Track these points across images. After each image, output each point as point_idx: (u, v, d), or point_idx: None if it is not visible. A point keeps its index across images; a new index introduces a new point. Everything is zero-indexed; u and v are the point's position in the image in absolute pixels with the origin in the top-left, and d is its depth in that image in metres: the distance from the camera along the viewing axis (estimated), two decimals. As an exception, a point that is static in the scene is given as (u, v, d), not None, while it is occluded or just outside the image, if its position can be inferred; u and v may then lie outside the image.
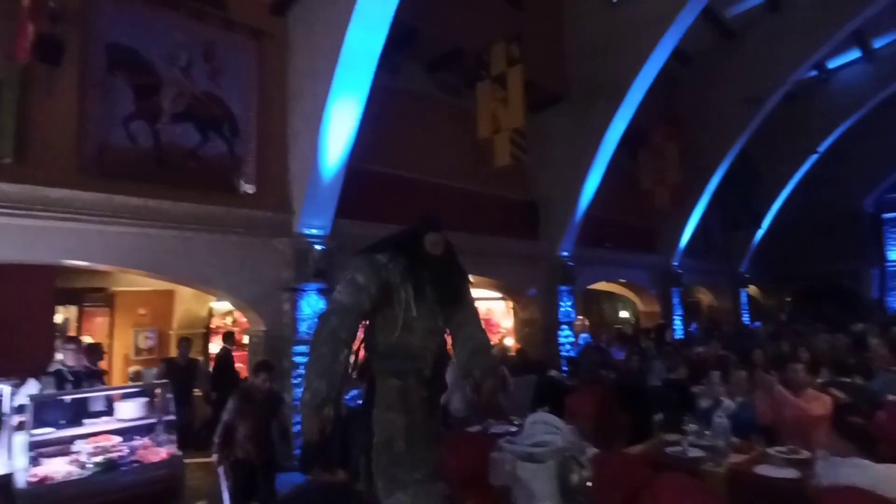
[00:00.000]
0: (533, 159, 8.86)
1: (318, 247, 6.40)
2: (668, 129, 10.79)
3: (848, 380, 4.79)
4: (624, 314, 14.47)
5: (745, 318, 15.18)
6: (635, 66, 8.56)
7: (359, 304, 2.35)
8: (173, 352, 7.73)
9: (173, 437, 4.45)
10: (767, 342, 8.08)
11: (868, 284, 18.11)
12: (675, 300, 12.34)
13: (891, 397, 4.41)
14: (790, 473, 2.98)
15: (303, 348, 6.19)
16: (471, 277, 9.89)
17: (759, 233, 15.11)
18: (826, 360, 6.10)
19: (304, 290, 6.26)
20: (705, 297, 15.93)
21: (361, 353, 2.57)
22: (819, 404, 3.87)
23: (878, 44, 13.63)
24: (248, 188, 6.19)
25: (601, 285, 12.19)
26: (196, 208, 5.69)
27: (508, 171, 8.19)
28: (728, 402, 4.45)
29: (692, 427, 3.64)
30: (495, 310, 11.22)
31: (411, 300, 2.40)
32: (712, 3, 9.59)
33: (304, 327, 6.18)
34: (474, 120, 8.03)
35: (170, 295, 8.81)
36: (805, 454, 3.25)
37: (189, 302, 8.81)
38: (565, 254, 9.62)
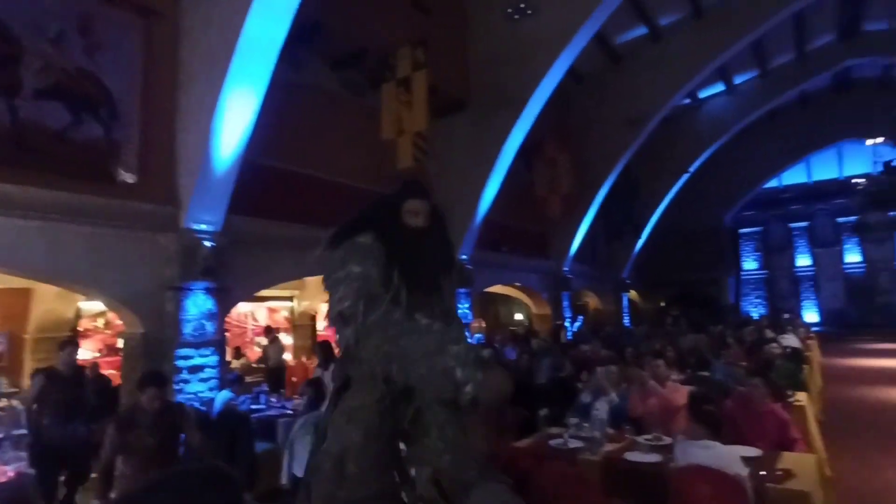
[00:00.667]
0: (435, 163, 9.04)
1: (207, 243, 6.02)
2: (560, 143, 11.51)
3: (706, 373, 5.42)
4: (518, 316, 15.17)
5: (626, 320, 16.56)
6: (534, 81, 9.05)
7: (375, 292, 1.80)
8: (29, 358, 6.86)
9: (22, 455, 3.94)
10: (642, 341, 8.90)
11: (726, 291, 20.59)
12: (566, 303, 13.17)
13: (740, 388, 5.05)
14: (654, 458, 3.31)
15: (187, 351, 5.80)
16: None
17: (639, 243, 16.58)
18: (690, 356, 6.85)
19: (191, 290, 5.86)
20: (592, 300, 17.16)
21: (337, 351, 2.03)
22: (679, 395, 4.34)
23: (738, 80, 15.61)
24: (128, 177, 5.67)
25: (497, 288, 12.68)
26: (65, 197, 5.10)
27: (411, 174, 8.26)
28: (612, 396, 4.83)
29: (573, 420, 3.92)
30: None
31: (402, 290, 1.85)
32: (604, 29, 10.42)
33: (188, 329, 5.78)
34: (378, 120, 8.03)
35: (26, 293, 7.79)
36: (667, 440, 3.62)
37: (51, 301, 7.83)
38: (464, 257, 9.89)
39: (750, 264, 21.65)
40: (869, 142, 11.53)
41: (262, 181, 7.02)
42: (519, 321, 14.76)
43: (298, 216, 7.40)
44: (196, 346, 5.86)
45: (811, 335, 12.43)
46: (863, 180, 12.02)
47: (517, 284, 12.69)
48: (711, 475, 2.63)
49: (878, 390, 9.19)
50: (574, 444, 3.68)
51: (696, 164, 16.24)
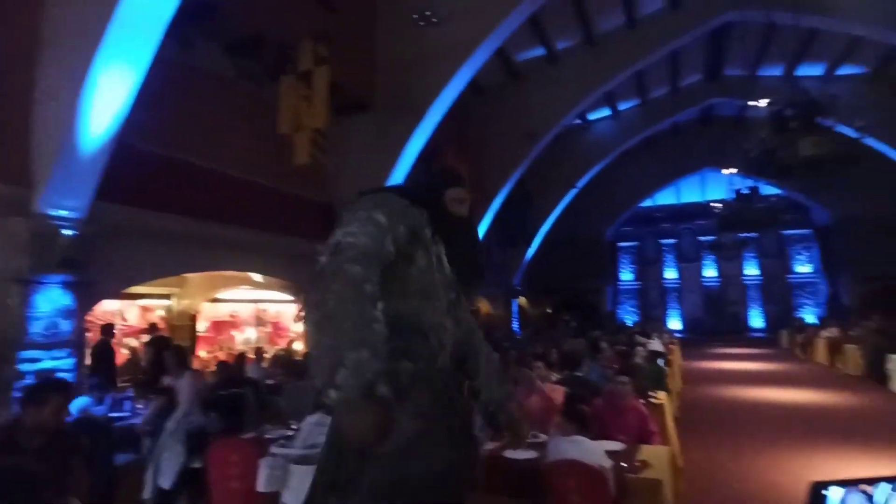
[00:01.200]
0: (334, 162, 8.86)
1: (67, 231, 5.37)
2: (460, 152, 11.82)
3: (580, 374, 5.82)
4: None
5: (515, 325, 17.32)
6: (437, 88, 9.21)
7: (383, 248, 1.55)
8: None
9: None
10: (527, 344, 9.37)
11: (605, 299, 22.32)
12: (459, 308, 13.48)
13: (609, 387, 5.48)
14: (530, 454, 3.48)
15: (35, 353, 5.12)
16: (259, 278, 9.31)
17: (530, 251, 17.46)
18: (567, 357, 7.30)
19: (43, 283, 5.19)
20: (484, 305, 17.74)
21: None
22: (557, 394, 4.63)
23: (622, 106, 17.05)
24: (-35, 150, 4.92)
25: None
26: None
27: (308, 170, 8.02)
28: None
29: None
30: (286, 313, 10.81)
31: (442, 257, 1.68)
32: (505, 46, 10.87)
33: (37, 328, 5.11)
34: (275, 113, 7.70)
35: None
36: (543, 437, 3.83)
37: None
38: (359, 260, 9.75)
39: (626, 275, 23.70)
40: (725, 171, 13.11)
41: (140, 167, 6.42)
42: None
43: (181, 208, 6.87)
44: (47, 347, 5.19)
45: (674, 341, 13.84)
46: (719, 205, 13.64)
47: (412, 288, 12.78)
48: (578, 468, 2.83)
49: (726, 389, 10.46)
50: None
51: (583, 180, 17.47)
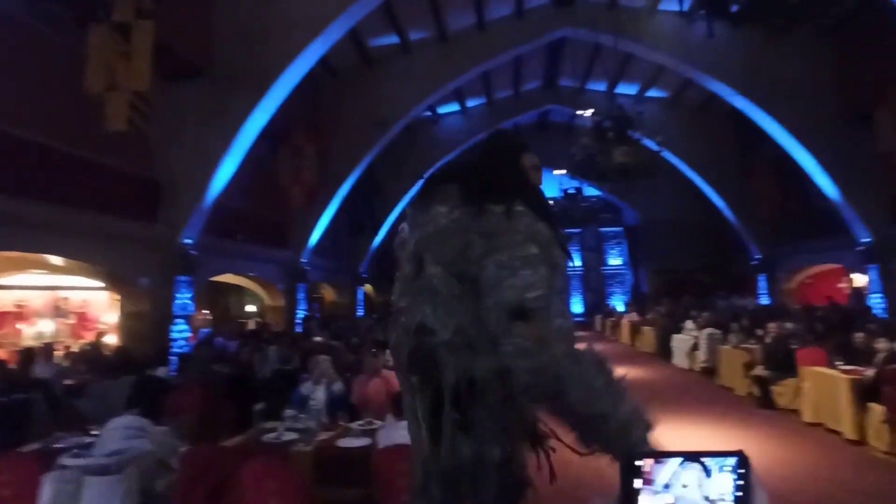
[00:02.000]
0: (160, 132, 7.90)
1: None
2: (309, 133, 11.32)
3: None
4: (251, 308, 14.35)
5: (361, 312, 17.23)
6: (282, 63, 8.67)
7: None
8: None
9: None
10: (367, 332, 9.38)
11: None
12: (301, 295, 12.98)
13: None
14: (364, 442, 3.49)
15: None
16: (59, 261, 7.97)
17: (377, 239, 17.46)
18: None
19: None
20: (328, 293, 17.36)
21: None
22: (395, 381, 4.69)
23: (470, 103, 17.80)
24: None
25: (228, 277, 11.76)
26: None
27: (126, 139, 7.01)
28: (338, 385, 4.90)
29: (289, 413, 3.85)
30: (94, 302, 9.42)
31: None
32: (360, 28, 10.63)
33: None
34: (84, 68, 6.57)
35: None
36: (378, 423, 3.85)
37: None
38: (189, 241, 8.85)
39: (469, 265, 24.99)
40: (556, 172, 14.47)
41: None
42: (251, 313, 13.97)
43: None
44: None
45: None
46: (551, 202, 15.03)
47: (251, 274, 11.98)
48: (408, 453, 2.89)
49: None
50: (289, 436, 3.62)
51: (431, 171, 17.90)
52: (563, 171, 14.73)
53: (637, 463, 0.72)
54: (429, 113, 16.98)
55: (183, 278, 8.75)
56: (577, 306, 24.32)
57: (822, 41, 11.85)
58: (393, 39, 12.89)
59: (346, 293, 17.11)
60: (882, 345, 5.87)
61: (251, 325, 10.90)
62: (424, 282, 1.43)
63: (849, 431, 5.78)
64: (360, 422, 3.90)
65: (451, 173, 1.60)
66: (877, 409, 5.50)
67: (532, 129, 21.39)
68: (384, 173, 16.49)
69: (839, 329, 8.43)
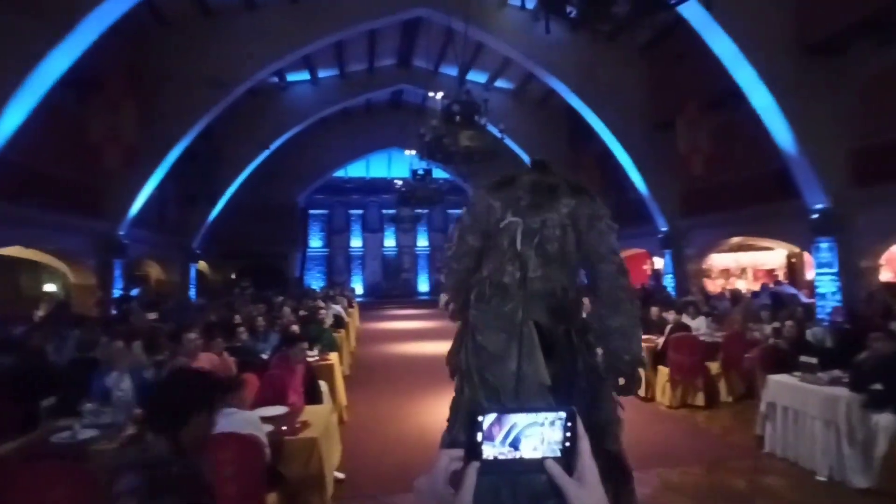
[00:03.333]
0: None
1: None
2: (128, 85, 9.77)
3: (240, 344, 5.64)
4: (50, 287, 12.17)
5: (193, 293, 15.69)
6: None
7: None
8: None
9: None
10: (198, 314, 8.56)
11: (294, 265, 22.32)
12: (118, 272, 11.34)
13: (284, 351, 5.45)
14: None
15: None
16: None
17: (214, 212, 15.97)
18: (247, 326, 6.96)
19: None
20: (154, 270, 15.49)
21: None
22: (226, 365, 4.32)
23: (322, 74, 16.99)
24: None
25: (16, 251, 9.81)
26: None
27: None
28: (149, 373, 4.34)
29: (89, 407, 3.31)
30: None
31: None
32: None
33: None
34: None
35: None
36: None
37: None
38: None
39: (315, 242, 24.23)
40: (407, 152, 14.53)
41: None
42: (51, 293, 11.84)
43: None
44: None
45: (353, 304, 14.85)
46: (400, 182, 15.08)
47: (51, 247, 10.12)
48: (231, 440, 2.67)
49: (394, 346, 11.79)
50: (87, 434, 3.11)
51: (278, 142, 16.84)
52: (414, 152, 14.89)
53: (479, 418, 0.76)
54: (276, 79, 15.86)
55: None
56: (423, 285, 25.06)
57: (638, 55, 13.51)
58: (234, -8, 11.72)
59: (175, 270, 15.39)
60: (671, 316, 6.95)
61: (43, 308, 9.17)
62: (557, 257, 2.15)
63: (642, 391, 6.80)
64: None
65: (549, 179, 2.29)
66: (663, 371, 6.53)
67: (385, 107, 21.23)
68: (224, 140, 15.07)
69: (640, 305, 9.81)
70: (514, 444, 0.77)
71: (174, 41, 11.58)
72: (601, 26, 5.40)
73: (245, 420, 2.80)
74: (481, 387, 2.03)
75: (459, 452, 0.78)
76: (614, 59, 13.17)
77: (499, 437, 0.77)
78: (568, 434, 0.78)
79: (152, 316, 9.11)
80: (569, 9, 4.97)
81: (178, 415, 1.72)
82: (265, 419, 3.22)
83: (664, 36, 12.28)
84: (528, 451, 0.77)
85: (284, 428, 3.18)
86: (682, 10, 8.05)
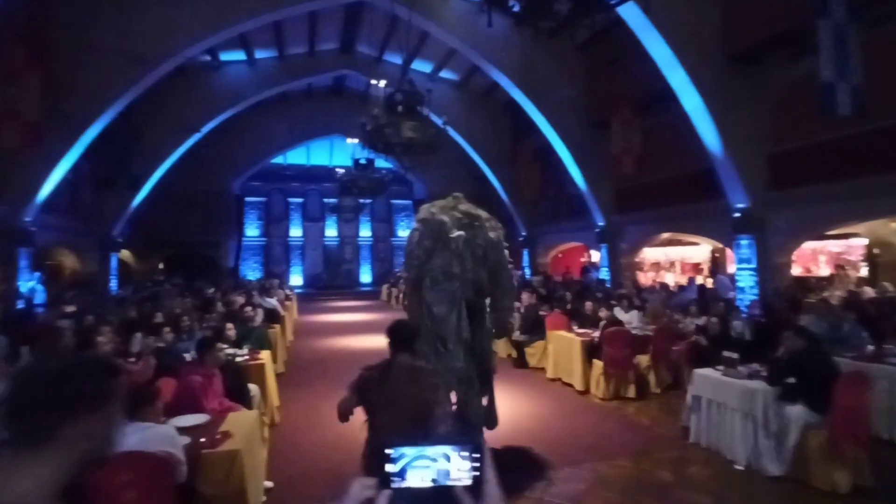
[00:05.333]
0: None
1: None
2: (30, 56, 8.82)
3: (163, 344, 5.27)
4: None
5: (114, 283, 14.65)
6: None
7: None
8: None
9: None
10: (116, 308, 7.95)
11: (228, 254, 21.34)
12: (24, 262, 10.35)
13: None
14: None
15: None
16: None
17: (138, 198, 14.93)
18: (170, 323, 6.50)
19: None
20: (69, 259, 14.32)
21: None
22: (144, 371, 3.98)
23: (259, 54, 16.18)
24: None
25: None
26: None
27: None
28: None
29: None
30: None
31: None
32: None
33: None
34: None
35: None
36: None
37: None
38: None
39: (252, 231, 23.24)
40: (349, 140, 14.12)
41: None
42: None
43: None
44: None
45: (290, 297, 14.35)
46: (342, 170, 14.65)
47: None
48: (136, 460, 2.42)
49: (332, 340, 11.47)
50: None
51: (209, 125, 15.94)
52: (356, 141, 14.51)
53: (387, 451, 0.83)
54: (208, 57, 14.96)
55: None
56: (366, 276, 24.67)
57: (577, 53, 13.74)
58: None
59: (93, 260, 14.28)
60: (604, 312, 7.13)
61: None
62: (480, 259, 4.03)
63: (578, 384, 6.95)
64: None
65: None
66: (598, 365, 6.69)
67: (327, 93, 20.58)
68: (149, 121, 14.07)
69: (577, 298, 10.04)
70: (420, 473, 0.84)
71: (89, 9, 10.57)
72: (543, 23, 5.39)
73: (159, 435, 2.56)
74: (435, 339, 3.83)
75: (371, 481, 0.83)
76: (554, 56, 13.32)
77: (407, 467, 0.83)
78: (476, 464, 0.85)
79: (70, 309, 8.34)
80: (511, 2, 4.93)
81: (40, 427, 1.00)
82: (182, 430, 2.98)
83: (600, 37, 12.54)
84: (433, 479, 0.84)
85: (203, 440, 2.95)
86: (622, 11, 8.23)
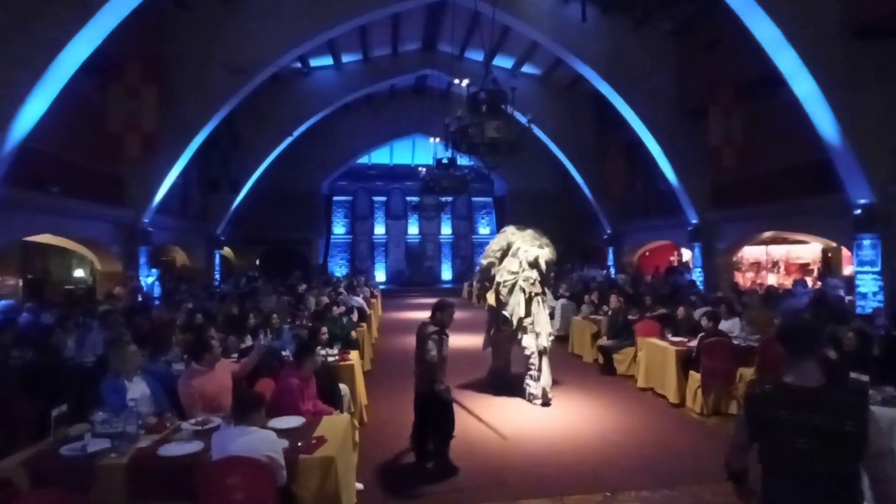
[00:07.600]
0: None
1: None
2: (147, 71, 9.71)
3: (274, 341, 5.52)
4: (79, 273, 12.38)
5: (217, 278, 15.82)
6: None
7: None
8: None
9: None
10: (219, 304, 8.49)
11: (317, 252, 22.37)
12: (143, 259, 11.44)
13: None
14: (192, 448, 3.01)
15: None
16: None
17: (238, 198, 16.01)
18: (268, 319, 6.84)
19: None
20: (180, 256, 15.66)
21: None
22: (227, 371, 4.09)
23: (345, 59, 16.76)
24: None
25: (47, 238, 9.94)
26: None
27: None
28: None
29: (100, 416, 3.20)
30: None
31: None
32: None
33: None
34: None
35: None
36: (215, 421, 3.39)
37: None
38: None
39: (339, 229, 24.21)
40: (431, 140, 14.26)
41: None
42: (79, 279, 12.04)
43: None
44: None
45: (376, 294, 14.76)
46: (424, 169, 14.82)
47: (77, 235, 10.22)
48: (242, 465, 2.54)
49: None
50: (97, 446, 3.01)
51: (301, 129, 16.74)
52: (438, 140, 14.62)
53: None
54: (299, 64, 15.70)
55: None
56: (446, 273, 24.89)
57: (668, 41, 12.91)
58: (257, -24, 11.52)
59: (199, 256, 15.53)
60: (705, 322, 6.63)
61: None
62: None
63: (672, 396, 6.52)
64: (195, 420, 3.40)
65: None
66: (695, 377, 6.24)
67: (409, 93, 20.91)
68: (247, 128, 15.03)
69: (668, 302, 9.45)
70: None
71: (193, 25, 11.44)
72: (634, 11, 5.06)
73: (262, 440, 2.67)
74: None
75: None
76: (643, 44, 12.61)
77: None
78: None
79: (188, 305, 8.94)
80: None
81: None
82: (280, 433, 3.09)
83: (696, 21, 11.70)
84: None
85: (300, 444, 3.05)
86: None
